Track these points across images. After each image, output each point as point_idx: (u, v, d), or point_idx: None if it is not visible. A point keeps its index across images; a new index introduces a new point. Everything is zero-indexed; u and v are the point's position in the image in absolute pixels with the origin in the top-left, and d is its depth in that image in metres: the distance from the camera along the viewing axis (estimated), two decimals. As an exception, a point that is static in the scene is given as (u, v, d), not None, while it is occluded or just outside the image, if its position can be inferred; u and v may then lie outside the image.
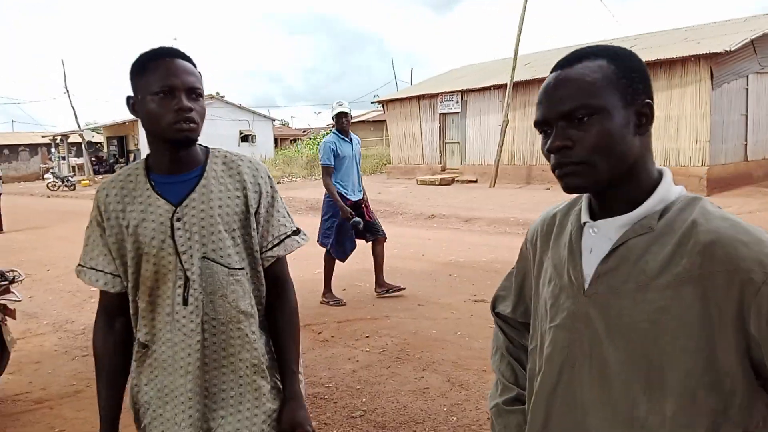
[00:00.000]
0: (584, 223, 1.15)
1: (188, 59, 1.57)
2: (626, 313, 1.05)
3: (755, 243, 0.98)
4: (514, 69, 17.16)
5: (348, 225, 6.18)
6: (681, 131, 14.51)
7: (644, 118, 1.08)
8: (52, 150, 38.68)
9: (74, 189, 27.15)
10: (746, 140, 15.13)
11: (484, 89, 19.23)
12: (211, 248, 1.57)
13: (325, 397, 4.01)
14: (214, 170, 1.62)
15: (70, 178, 28.34)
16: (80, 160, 36.49)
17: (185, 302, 1.57)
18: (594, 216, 1.14)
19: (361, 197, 6.38)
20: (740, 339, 0.98)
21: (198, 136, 1.57)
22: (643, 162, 1.09)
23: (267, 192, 1.67)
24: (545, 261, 1.24)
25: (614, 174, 1.06)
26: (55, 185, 27.42)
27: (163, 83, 1.48)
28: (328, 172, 6.19)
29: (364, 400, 3.95)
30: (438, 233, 10.55)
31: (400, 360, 4.63)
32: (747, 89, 14.88)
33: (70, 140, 38.52)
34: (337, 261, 6.35)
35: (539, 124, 1.11)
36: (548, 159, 1.10)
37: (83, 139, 33.96)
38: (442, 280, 7.06)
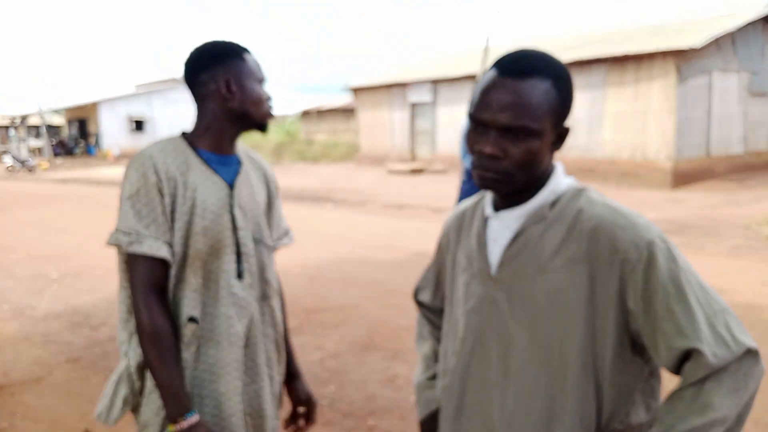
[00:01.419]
0: (488, 216, 1.28)
1: None
2: (528, 294, 1.18)
3: (630, 227, 1.12)
4: (485, 59, 17.23)
5: None
6: (648, 125, 14.78)
7: (562, 140, 1.21)
8: (11, 132, 37.58)
9: (33, 172, 26.44)
10: (709, 136, 15.46)
11: (455, 79, 19.27)
12: (256, 228, 1.70)
13: (294, 385, 3.99)
14: (243, 159, 1.74)
15: (29, 160, 27.55)
16: (40, 143, 35.56)
17: (240, 276, 1.64)
18: (496, 208, 1.26)
19: None
20: (620, 313, 1.13)
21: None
22: (545, 167, 1.21)
23: (277, 188, 1.86)
24: (458, 253, 1.36)
25: (525, 183, 1.19)
26: (14, 168, 26.67)
27: (261, 74, 1.67)
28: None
29: (332, 388, 3.94)
30: (408, 223, 10.56)
31: (368, 349, 4.64)
32: (710, 86, 15.19)
33: (29, 122, 37.50)
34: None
35: (475, 120, 1.17)
36: (471, 149, 1.18)
37: (43, 120, 33.06)
38: (411, 270, 7.07)
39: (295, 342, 4.70)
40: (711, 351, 1.06)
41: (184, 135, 1.67)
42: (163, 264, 1.57)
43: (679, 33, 15.79)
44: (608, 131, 15.66)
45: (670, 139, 14.41)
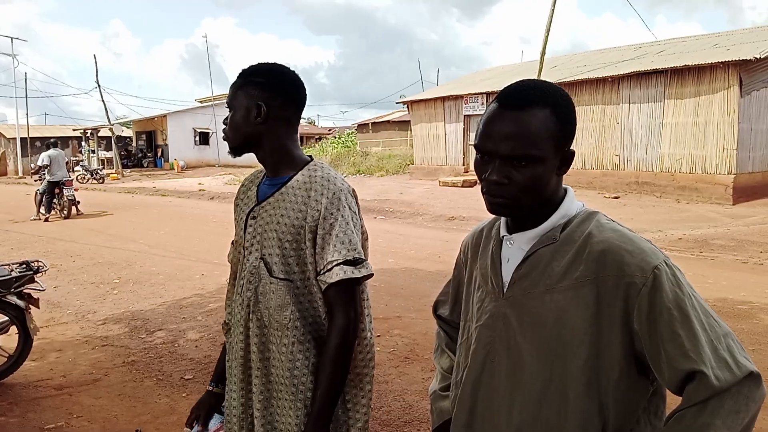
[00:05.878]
0: (503, 237, 1.34)
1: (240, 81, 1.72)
2: (536, 311, 1.24)
3: (638, 252, 1.16)
4: (540, 72, 17.10)
5: None
6: (708, 138, 14.35)
7: (567, 163, 1.25)
8: (83, 143, 39.36)
9: (103, 182, 27.61)
10: (774, 149, 14.89)
11: (509, 92, 19.11)
12: (266, 252, 1.68)
13: (334, 393, 4.09)
14: (297, 181, 1.68)
15: (99, 171, 28.83)
16: (109, 154, 37.11)
17: (240, 293, 1.74)
18: (510, 230, 1.32)
19: None
20: (625, 333, 1.17)
21: (234, 144, 1.74)
22: (555, 190, 1.27)
23: (329, 215, 1.62)
24: (474, 270, 1.43)
25: (533, 206, 1.24)
26: (84, 178, 27.92)
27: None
28: None
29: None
30: (457, 235, 10.54)
31: (408, 360, 4.71)
32: (776, 97, 14.64)
33: (100, 134, 39.17)
34: None
35: (479, 150, 1.23)
36: (479, 176, 1.25)
37: (113, 133, 34.51)
38: (456, 283, 7.10)
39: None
40: (714, 374, 1.08)
41: None
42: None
43: (741, 43, 15.31)
44: (667, 144, 15.28)
45: (731, 153, 13.96)
